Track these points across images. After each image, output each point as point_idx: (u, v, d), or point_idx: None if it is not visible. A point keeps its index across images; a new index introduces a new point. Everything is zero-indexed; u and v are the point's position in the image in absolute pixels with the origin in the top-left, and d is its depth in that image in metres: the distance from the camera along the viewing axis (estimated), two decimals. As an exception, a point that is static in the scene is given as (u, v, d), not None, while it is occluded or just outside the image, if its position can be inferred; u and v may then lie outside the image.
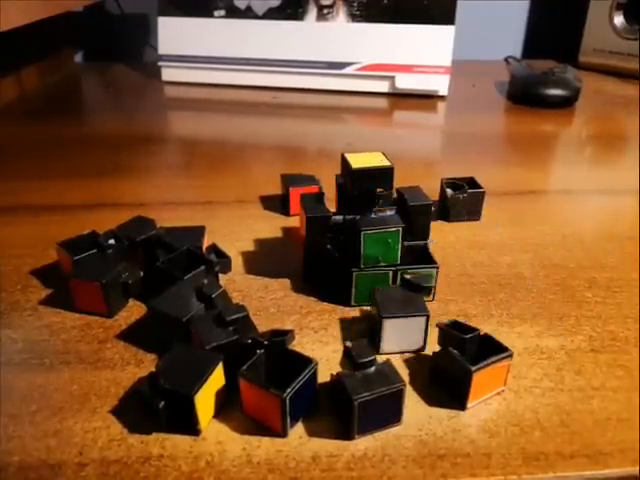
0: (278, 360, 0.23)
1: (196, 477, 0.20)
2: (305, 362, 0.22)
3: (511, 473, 0.21)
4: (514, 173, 0.47)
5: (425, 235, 0.31)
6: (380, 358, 0.23)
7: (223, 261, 0.31)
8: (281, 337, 0.23)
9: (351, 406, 0.21)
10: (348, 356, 0.23)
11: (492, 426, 0.23)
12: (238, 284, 0.31)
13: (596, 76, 0.77)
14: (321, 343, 0.27)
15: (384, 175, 0.28)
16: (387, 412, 0.22)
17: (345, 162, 0.29)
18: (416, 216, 0.30)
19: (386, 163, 0.28)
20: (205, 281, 0.27)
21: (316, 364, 0.22)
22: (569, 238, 0.36)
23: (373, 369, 0.22)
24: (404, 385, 0.22)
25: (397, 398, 0.22)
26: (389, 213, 0.29)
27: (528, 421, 0.23)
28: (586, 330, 0.28)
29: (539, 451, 0.21)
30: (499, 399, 0.24)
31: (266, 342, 0.23)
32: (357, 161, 0.28)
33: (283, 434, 0.22)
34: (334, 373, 0.23)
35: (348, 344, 0.23)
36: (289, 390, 0.21)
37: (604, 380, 0.25)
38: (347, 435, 0.22)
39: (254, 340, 0.23)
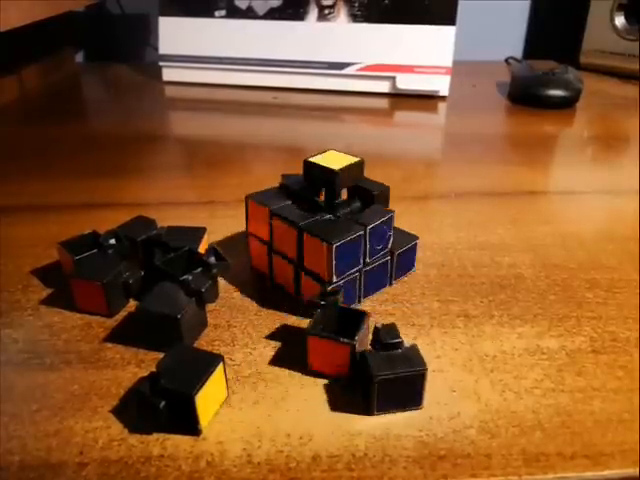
0: (332, 316, 0.25)
1: (197, 477, 0.20)
2: (361, 315, 0.25)
3: (512, 474, 0.21)
4: (514, 173, 0.47)
5: None
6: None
7: (221, 264, 0.31)
8: (333, 296, 0.26)
9: (372, 383, 0.22)
10: (376, 337, 0.24)
11: (492, 427, 0.23)
12: (238, 284, 0.31)
13: (597, 77, 0.77)
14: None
15: (359, 170, 0.29)
16: (408, 394, 0.23)
17: (314, 166, 0.29)
18: (379, 203, 0.30)
19: (355, 159, 0.29)
20: (190, 277, 0.28)
21: (369, 315, 0.25)
22: (569, 239, 0.36)
23: (399, 351, 0.23)
24: (426, 370, 0.22)
25: (418, 381, 0.23)
26: (357, 205, 0.30)
27: (529, 422, 0.23)
28: (587, 331, 0.28)
29: (540, 452, 0.21)
30: (499, 400, 0.24)
31: (323, 302, 0.25)
32: (328, 162, 0.28)
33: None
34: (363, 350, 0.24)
35: (378, 325, 0.24)
36: (357, 337, 0.23)
37: (605, 381, 0.25)
38: (367, 411, 0.23)
39: (311, 301, 0.26)
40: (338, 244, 0.26)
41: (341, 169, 0.28)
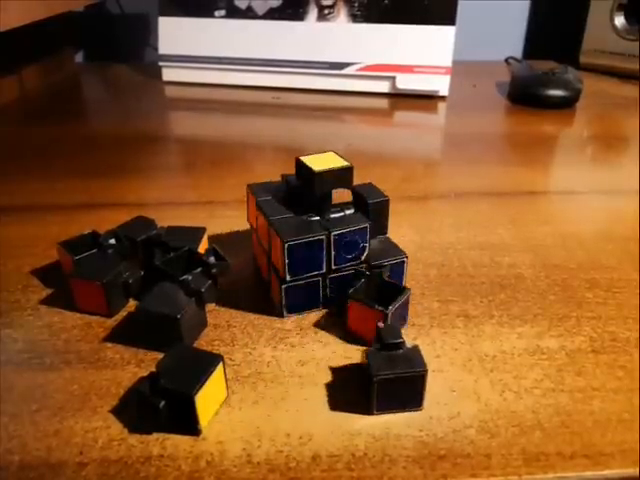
0: (374, 287, 0.27)
1: (196, 477, 0.20)
2: (401, 289, 0.27)
3: (511, 474, 0.21)
4: (514, 173, 0.47)
5: (384, 231, 0.30)
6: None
7: (221, 264, 0.31)
8: (379, 269, 0.28)
9: (371, 382, 0.22)
10: (378, 336, 0.24)
11: (492, 426, 0.23)
12: (238, 284, 0.31)
13: (597, 77, 0.77)
14: (321, 343, 0.27)
15: (344, 175, 0.28)
16: (408, 394, 0.23)
17: (302, 165, 0.28)
18: (375, 213, 0.29)
19: (345, 163, 0.28)
20: (190, 277, 0.28)
21: (410, 290, 0.27)
22: (569, 239, 0.36)
23: (400, 352, 0.23)
24: (426, 371, 0.22)
25: (419, 382, 0.23)
26: (348, 212, 0.29)
27: (528, 421, 0.23)
28: (586, 331, 0.28)
29: (539, 452, 0.21)
30: (499, 400, 0.24)
31: (368, 272, 0.27)
32: (315, 163, 0.28)
33: None
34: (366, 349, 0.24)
35: (380, 325, 0.25)
36: (391, 307, 0.25)
37: (604, 381, 0.25)
38: (367, 411, 0.23)
39: (358, 271, 0.28)
40: (291, 243, 0.26)
41: (319, 171, 0.27)
